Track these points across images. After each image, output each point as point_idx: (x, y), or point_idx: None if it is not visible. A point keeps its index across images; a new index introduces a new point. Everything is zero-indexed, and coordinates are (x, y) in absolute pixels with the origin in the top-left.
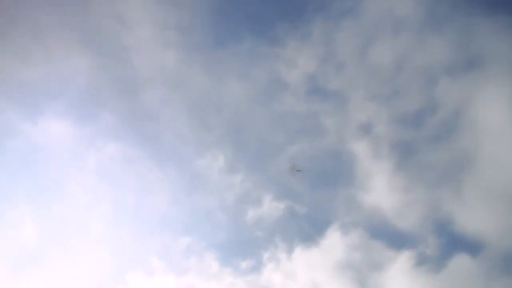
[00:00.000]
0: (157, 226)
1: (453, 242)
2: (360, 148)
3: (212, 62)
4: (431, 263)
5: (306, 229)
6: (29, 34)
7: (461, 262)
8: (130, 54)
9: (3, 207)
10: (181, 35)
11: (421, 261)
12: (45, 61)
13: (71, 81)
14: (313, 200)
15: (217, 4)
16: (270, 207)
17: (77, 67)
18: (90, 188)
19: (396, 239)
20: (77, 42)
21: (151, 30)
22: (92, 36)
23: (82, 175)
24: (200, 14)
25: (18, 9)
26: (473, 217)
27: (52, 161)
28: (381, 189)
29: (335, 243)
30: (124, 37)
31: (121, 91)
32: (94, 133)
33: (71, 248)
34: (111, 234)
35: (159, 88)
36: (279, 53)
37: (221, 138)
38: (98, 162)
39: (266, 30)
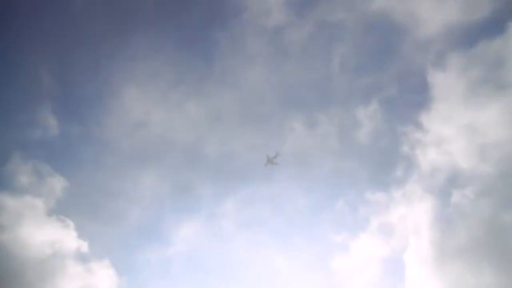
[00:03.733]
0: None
1: None
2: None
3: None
4: None
5: (412, 96)
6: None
7: None
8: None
9: None
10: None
11: None
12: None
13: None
14: (393, 74)
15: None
16: (368, 114)
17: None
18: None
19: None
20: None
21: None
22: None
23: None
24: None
25: None
26: None
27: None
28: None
29: (451, 82)
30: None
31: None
32: (229, 222)
33: None
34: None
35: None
36: (250, 15)
37: (299, 121)
38: (245, 246)
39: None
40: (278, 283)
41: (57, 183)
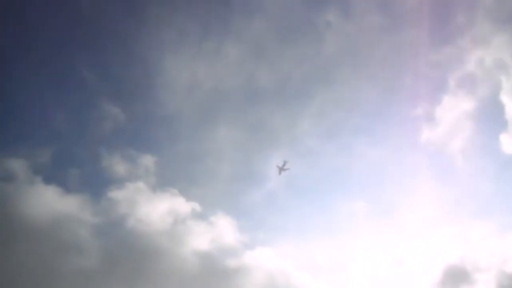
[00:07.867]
0: None
1: None
2: None
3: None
4: None
5: None
6: None
7: None
8: None
9: None
10: None
11: None
12: None
13: None
14: None
15: None
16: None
17: None
18: None
19: None
20: None
21: None
22: None
23: None
24: None
25: None
26: None
27: None
28: None
29: None
30: None
31: None
32: (311, 139)
33: None
34: None
35: None
36: None
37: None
38: (331, 156)
39: None
40: (374, 178)
41: (148, 162)
